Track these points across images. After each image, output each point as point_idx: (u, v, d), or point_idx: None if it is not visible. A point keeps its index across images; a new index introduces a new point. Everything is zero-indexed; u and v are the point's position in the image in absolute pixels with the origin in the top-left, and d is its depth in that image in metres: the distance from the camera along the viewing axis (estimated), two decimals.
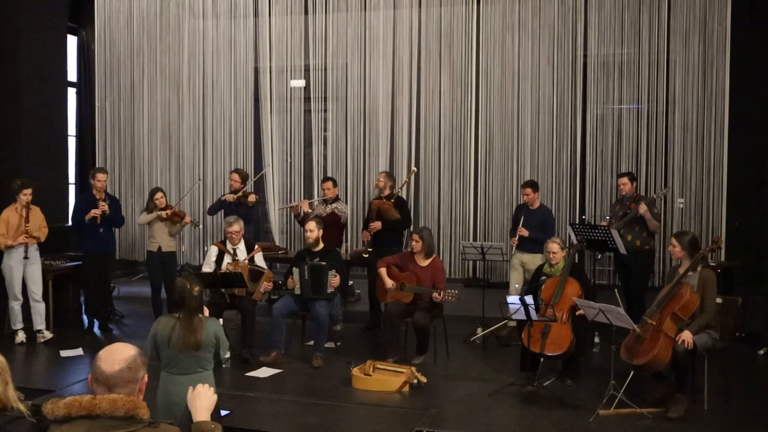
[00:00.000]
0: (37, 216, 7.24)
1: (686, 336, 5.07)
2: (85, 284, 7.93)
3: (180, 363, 4.21)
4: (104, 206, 7.50)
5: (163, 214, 7.67)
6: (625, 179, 7.20)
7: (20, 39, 8.35)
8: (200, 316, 4.31)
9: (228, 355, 6.35)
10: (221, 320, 6.40)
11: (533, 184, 7.52)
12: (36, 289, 7.27)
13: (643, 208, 6.85)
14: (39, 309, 7.29)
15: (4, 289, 7.28)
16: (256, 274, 6.64)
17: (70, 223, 7.68)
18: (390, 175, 7.99)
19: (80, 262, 7.89)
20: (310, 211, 7.93)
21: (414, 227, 7.97)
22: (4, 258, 7.14)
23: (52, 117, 8.88)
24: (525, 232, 7.18)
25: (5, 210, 7.11)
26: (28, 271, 7.21)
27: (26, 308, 7.28)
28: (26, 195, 7.08)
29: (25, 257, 7.13)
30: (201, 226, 9.52)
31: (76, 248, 8.03)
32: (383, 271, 6.67)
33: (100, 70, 10.17)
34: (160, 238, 7.76)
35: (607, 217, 7.52)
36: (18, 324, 7.20)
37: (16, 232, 7.06)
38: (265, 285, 6.68)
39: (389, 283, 6.57)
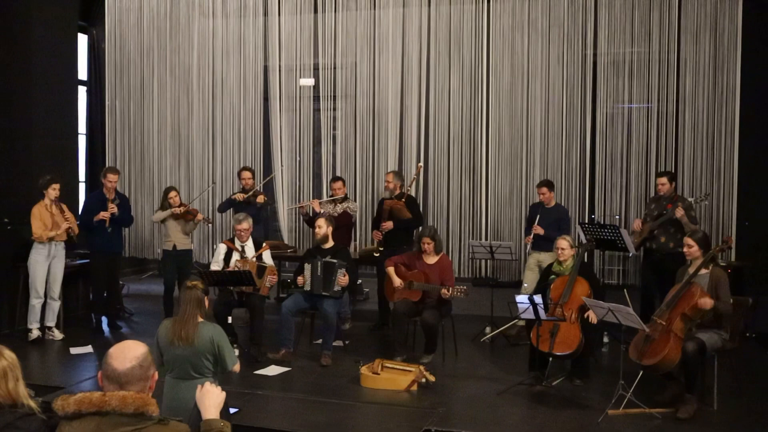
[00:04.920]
0: (67, 211, 7.25)
1: (703, 300, 5.05)
2: (93, 283, 7.95)
3: (177, 366, 4.18)
4: (113, 209, 7.52)
5: (177, 210, 7.70)
6: (664, 179, 7.03)
7: (31, 38, 8.38)
8: (198, 316, 4.25)
9: (237, 353, 6.37)
10: (230, 318, 6.44)
11: (549, 183, 7.50)
12: (56, 287, 7.29)
13: (680, 212, 6.70)
14: (54, 307, 7.31)
15: (19, 286, 7.30)
16: (260, 269, 6.65)
17: (78, 221, 7.68)
18: (398, 174, 7.98)
19: (89, 260, 7.92)
20: (321, 210, 7.94)
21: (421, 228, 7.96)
22: (32, 254, 7.13)
23: (62, 116, 8.90)
24: (540, 230, 7.16)
25: (35, 207, 7.08)
26: (51, 267, 7.22)
27: (41, 304, 7.28)
28: (55, 190, 7.10)
29: (69, 239, 7.20)
30: (212, 224, 9.55)
31: (84, 247, 8.05)
32: (391, 270, 6.67)
33: (110, 69, 10.22)
34: (174, 237, 7.79)
35: (640, 218, 7.43)
36: (35, 323, 7.20)
37: (54, 226, 7.08)
38: (270, 278, 6.68)
39: (397, 281, 6.57)
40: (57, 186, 7.11)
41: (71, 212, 7.36)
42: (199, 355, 4.16)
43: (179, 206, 7.73)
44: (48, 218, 7.08)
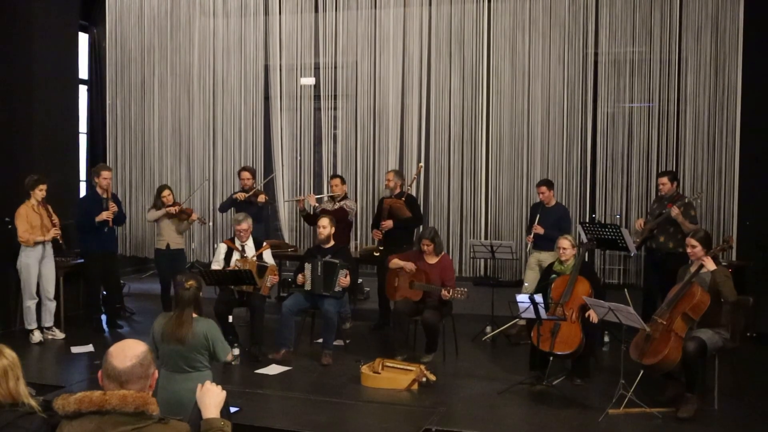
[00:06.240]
0: (54, 216, 7.19)
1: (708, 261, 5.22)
2: (88, 283, 7.92)
3: (170, 360, 4.20)
4: (114, 208, 7.51)
5: (172, 210, 7.68)
6: (665, 179, 7.05)
7: (33, 37, 8.39)
8: (193, 313, 4.27)
9: (237, 352, 6.38)
10: (230, 317, 6.44)
11: (548, 182, 7.49)
12: (49, 287, 7.24)
13: (675, 212, 6.71)
14: (50, 307, 7.28)
15: (16, 287, 7.29)
16: (261, 269, 6.65)
17: (76, 223, 7.65)
18: (399, 173, 7.98)
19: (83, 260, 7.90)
20: (316, 205, 7.93)
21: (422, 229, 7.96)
22: (22, 256, 7.08)
23: (63, 114, 8.91)
24: (540, 230, 7.16)
25: (21, 207, 7.02)
26: (42, 269, 7.18)
27: (36, 305, 7.25)
28: (42, 191, 7.04)
29: (57, 245, 7.15)
30: (210, 224, 9.55)
31: (78, 247, 8.00)
32: (397, 260, 6.63)
33: (111, 68, 10.23)
34: (168, 236, 7.77)
35: (642, 217, 7.45)
36: (33, 324, 7.15)
37: (42, 228, 7.05)
38: (271, 278, 6.68)
39: (409, 265, 6.52)
40: (44, 187, 7.04)
41: (57, 216, 7.22)
42: (192, 351, 4.19)
43: (173, 205, 7.72)
44: (36, 219, 7.03)
